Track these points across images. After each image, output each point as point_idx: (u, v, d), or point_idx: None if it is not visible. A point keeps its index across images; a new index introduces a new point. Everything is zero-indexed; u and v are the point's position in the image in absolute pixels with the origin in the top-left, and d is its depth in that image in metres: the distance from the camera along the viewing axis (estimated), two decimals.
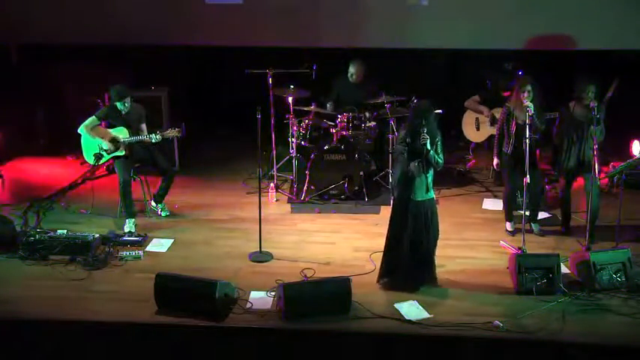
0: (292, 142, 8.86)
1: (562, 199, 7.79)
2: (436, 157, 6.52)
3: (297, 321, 6.25)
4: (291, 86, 8.86)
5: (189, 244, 7.66)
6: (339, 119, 8.74)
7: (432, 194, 6.65)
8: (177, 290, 6.36)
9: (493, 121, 8.86)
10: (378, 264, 6.85)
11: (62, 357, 6.32)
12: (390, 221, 6.75)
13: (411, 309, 6.42)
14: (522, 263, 6.66)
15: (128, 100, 7.90)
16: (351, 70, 9.07)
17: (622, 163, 7.53)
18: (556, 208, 8.14)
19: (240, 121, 9.25)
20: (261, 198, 7.50)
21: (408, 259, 6.62)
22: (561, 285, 6.62)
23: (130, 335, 6.27)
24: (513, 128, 7.42)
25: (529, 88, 7.27)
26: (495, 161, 7.69)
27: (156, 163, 8.16)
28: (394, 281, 6.74)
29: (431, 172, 6.57)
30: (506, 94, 8.78)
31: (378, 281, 6.80)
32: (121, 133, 7.93)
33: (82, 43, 10.07)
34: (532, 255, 6.93)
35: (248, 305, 6.47)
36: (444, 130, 6.72)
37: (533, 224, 7.74)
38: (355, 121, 8.69)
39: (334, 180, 8.58)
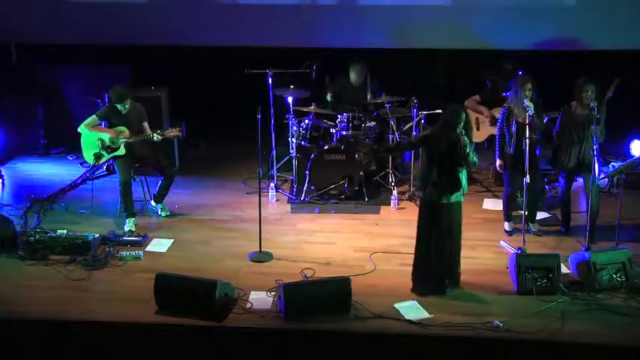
0: (292, 142, 8.87)
1: (562, 199, 7.80)
2: (471, 154, 6.47)
3: (297, 321, 6.25)
4: (291, 86, 8.86)
5: (189, 244, 7.67)
6: (339, 119, 8.75)
7: (459, 198, 6.59)
8: (177, 290, 6.36)
9: (493, 121, 8.85)
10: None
11: (62, 357, 6.32)
12: (418, 226, 6.72)
13: (411, 309, 6.42)
14: (522, 263, 6.66)
15: (128, 101, 7.90)
16: (352, 74, 9.08)
17: (622, 163, 7.54)
18: (556, 208, 8.14)
19: (240, 121, 9.25)
20: (261, 198, 7.51)
21: (435, 263, 6.62)
22: (561, 285, 6.63)
23: (130, 335, 6.26)
24: (514, 128, 7.42)
25: (529, 87, 7.28)
26: (498, 162, 7.66)
27: (156, 162, 8.16)
28: (425, 287, 6.71)
29: (463, 174, 6.55)
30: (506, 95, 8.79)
31: (412, 290, 6.74)
32: (121, 133, 7.94)
33: (82, 43, 10.07)
34: (532, 255, 6.93)
35: (248, 305, 6.47)
36: None
37: (531, 224, 7.74)
38: (355, 121, 8.69)
39: (334, 180, 8.59)
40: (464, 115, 6.46)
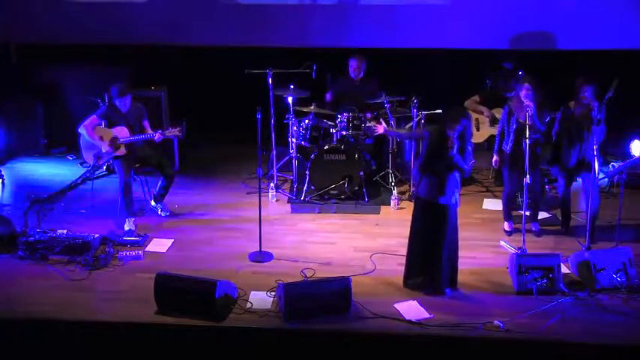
0: (292, 142, 8.87)
1: (562, 199, 7.80)
2: (460, 163, 6.43)
3: (297, 321, 6.26)
4: (291, 86, 8.86)
5: (189, 244, 7.67)
6: (339, 119, 8.75)
7: (450, 200, 6.54)
8: (177, 290, 6.36)
9: (493, 121, 8.86)
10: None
11: (62, 357, 6.32)
12: (411, 222, 6.74)
13: (411, 309, 6.42)
14: (522, 263, 6.66)
15: (128, 97, 7.90)
16: (352, 64, 9.07)
17: (622, 163, 7.54)
18: (556, 208, 8.14)
19: (240, 121, 9.23)
20: (261, 198, 7.51)
21: (422, 261, 6.65)
22: (561, 285, 6.63)
23: (130, 335, 6.27)
24: (514, 127, 7.42)
25: (529, 87, 7.28)
26: (495, 158, 7.68)
27: (157, 162, 8.16)
28: (411, 282, 6.76)
29: (452, 178, 6.52)
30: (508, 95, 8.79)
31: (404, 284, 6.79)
32: (122, 133, 7.94)
33: (82, 43, 10.06)
34: (532, 255, 6.93)
35: (248, 305, 6.47)
36: None
37: (532, 224, 7.74)
38: (355, 121, 8.69)
39: (334, 180, 8.58)
40: (463, 122, 6.37)
